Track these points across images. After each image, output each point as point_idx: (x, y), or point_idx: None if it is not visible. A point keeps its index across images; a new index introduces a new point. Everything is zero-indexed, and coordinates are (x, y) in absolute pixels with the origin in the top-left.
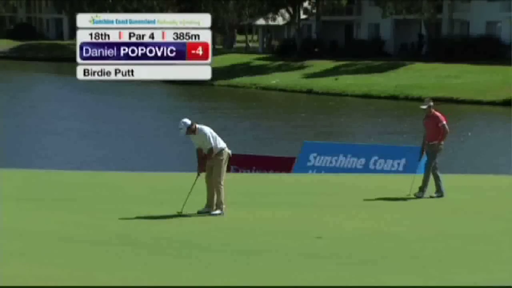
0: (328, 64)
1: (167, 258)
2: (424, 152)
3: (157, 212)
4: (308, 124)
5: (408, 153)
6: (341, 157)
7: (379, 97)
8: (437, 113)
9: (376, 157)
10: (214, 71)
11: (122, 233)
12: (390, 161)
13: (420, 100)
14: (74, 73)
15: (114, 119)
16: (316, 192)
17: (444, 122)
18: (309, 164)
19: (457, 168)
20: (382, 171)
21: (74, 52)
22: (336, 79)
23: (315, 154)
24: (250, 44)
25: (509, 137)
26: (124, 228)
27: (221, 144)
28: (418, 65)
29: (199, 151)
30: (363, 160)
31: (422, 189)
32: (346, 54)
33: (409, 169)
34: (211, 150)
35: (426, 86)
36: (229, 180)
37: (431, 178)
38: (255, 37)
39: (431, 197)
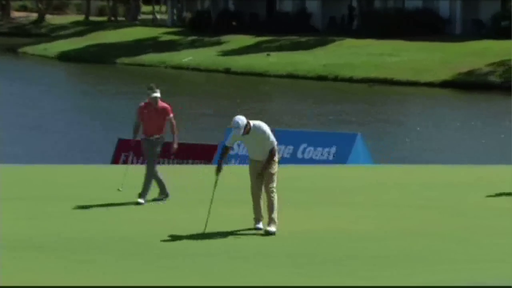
0: (248, 40)
1: (163, 259)
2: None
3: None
4: (232, 108)
5: (339, 140)
6: None
7: (305, 78)
8: (165, 104)
9: (305, 145)
10: (116, 47)
11: (83, 237)
12: (319, 149)
13: (351, 80)
14: None
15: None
16: (240, 186)
17: (172, 115)
18: (233, 152)
19: (405, 159)
20: (311, 160)
21: None
22: (268, 54)
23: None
24: (158, 16)
25: (452, 124)
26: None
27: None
28: (349, 41)
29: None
30: (291, 148)
31: (143, 194)
32: (268, 28)
33: (339, 158)
34: (273, 150)
35: (358, 65)
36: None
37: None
38: (163, 8)
39: (153, 199)
